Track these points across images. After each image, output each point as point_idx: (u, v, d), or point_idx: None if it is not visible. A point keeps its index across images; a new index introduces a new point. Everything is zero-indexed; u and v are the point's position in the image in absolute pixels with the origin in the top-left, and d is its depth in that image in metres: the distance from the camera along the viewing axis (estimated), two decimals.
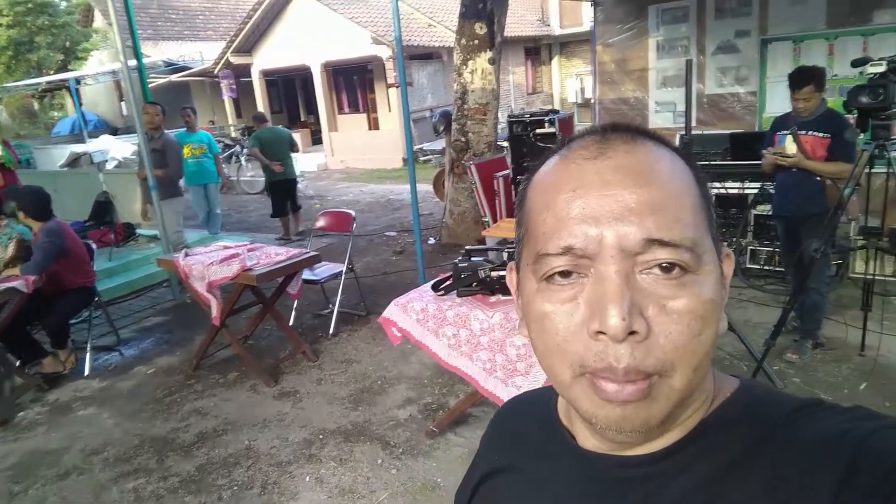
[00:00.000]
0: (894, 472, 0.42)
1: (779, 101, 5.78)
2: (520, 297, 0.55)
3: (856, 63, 2.72)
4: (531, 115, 5.65)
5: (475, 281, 2.83)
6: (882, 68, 2.59)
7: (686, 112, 3.12)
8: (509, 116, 5.79)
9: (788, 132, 3.36)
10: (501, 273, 2.77)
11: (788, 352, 3.58)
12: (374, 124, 15.68)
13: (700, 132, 6.18)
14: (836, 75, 5.05)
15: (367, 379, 3.83)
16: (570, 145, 0.53)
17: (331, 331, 4.54)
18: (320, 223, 5.04)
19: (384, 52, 13.28)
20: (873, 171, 2.89)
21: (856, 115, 2.79)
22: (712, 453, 0.49)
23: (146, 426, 3.42)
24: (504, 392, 2.75)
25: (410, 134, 4.72)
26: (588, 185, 0.48)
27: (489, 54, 5.99)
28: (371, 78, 15.22)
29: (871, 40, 5.18)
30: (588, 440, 0.56)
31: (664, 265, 0.46)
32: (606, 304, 0.45)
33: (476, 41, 5.94)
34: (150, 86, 6.79)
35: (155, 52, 15.68)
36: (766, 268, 4.86)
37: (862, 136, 2.83)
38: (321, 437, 3.20)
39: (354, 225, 4.91)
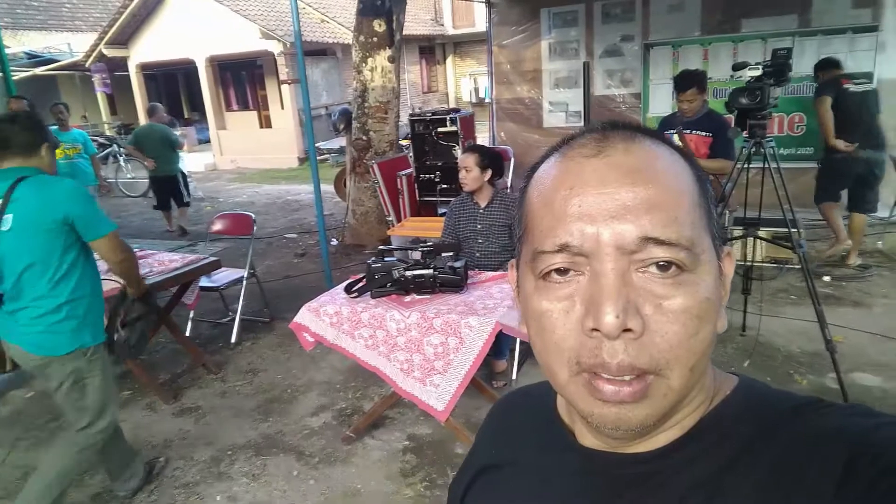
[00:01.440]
0: (893, 468, 0.42)
1: (660, 103, 6.20)
2: (519, 294, 0.55)
3: (736, 67, 2.98)
4: (433, 114, 5.67)
5: (389, 281, 2.79)
6: (758, 72, 2.84)
7: (585, 112, 3.25)
8: (411, 115, 5.80)
9: (675, 131, 3.60)
10: (416, 272, 2.76)
11: None
12: (265, 122, 15.12)
13: None
14: (710, 78, 5.47)
15: (276, 388, 3.68)
16: (570, 143, 0.53)
17: (233, 340, 4.32)
18: (217, 226, 4.78)
19: (275, 48, 12.84)
20: (751, 166, 3.15)
21: (735, 115, 3.03)
22: (711, 451, 0.49)
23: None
24: (422, 392, 2.74)
25: (312, 132, 4.58)
26: (585, 183, 0.48)
27: (389, 52, 5.95)
28: (261, 74, 14.65)
29: (739, 46, 5.67)
30: (587, 437, 0.57)
31: (661, 263, 0.46)
32: (601, 301, 0.45)
33: (375, 38, 5.88)
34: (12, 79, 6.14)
35: (14, 43, 14.17)
36: None
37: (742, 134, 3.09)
38: (230, 453, 3.04)
39: (255, 227, 4.69)
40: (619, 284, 0.45)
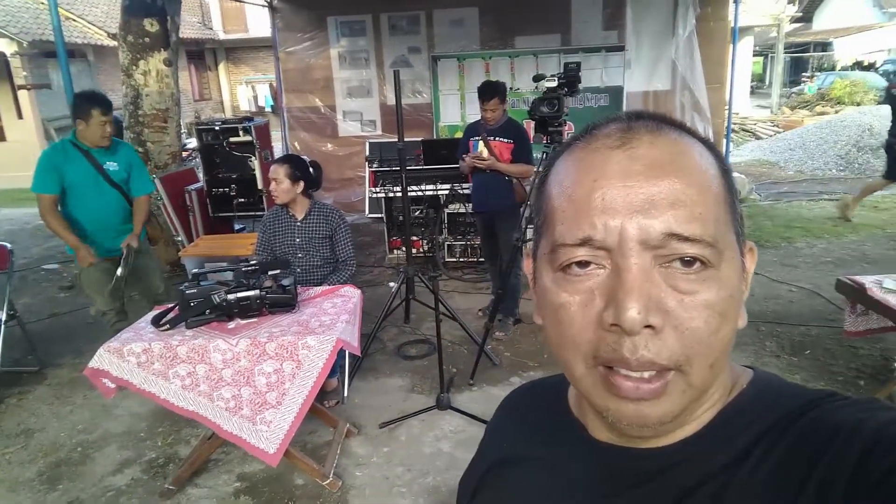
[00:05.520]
0: None
1: (451, 112, 6.51)
2: (535, 286, 0.54)
3: (536, 78, 3.23)
4: (223, 123, 5.25)
5: (209, 308, 2.49)
6: (554, 83, 3.11)
7: (398, 121, 3.24)
8: (197, 124, 5.30)
9: (480, 138, 3.79)
10: (240, 295, 2.50)
11: (495, 331, 4.04)
12: None
13: (388, 139, 6.59)
14: None
15: (62, 448, 3.07)
16: (593, 133, 0.51)
17: None
18: None
19: (7, 47, 10.86)
20: None
21: (536, 123, 3.28)
22: (728, 443, 0.49)
23: None
24: (251, 433, 2.48)
25: None
26: (610, 176, 0.47)
27: (164, 54, 5.36)
28: None
29: (515, 61, 6.19)
30: (601, 431, 0.56)
31: (685, 259, 0.45)
32: (623, 296, 0.44)
33: (147, 39, 5.25)
34: None
35: None
36: (461, 259, 5.43)
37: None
38: None
39: (12, 259, 3.87)
40: (641, 280, 0.45)
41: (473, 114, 6.02)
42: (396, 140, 3.30)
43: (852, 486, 0.42)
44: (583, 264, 0.47)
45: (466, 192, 4.89)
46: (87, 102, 3.24)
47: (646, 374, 0.45)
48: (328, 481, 2.62)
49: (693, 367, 0.46)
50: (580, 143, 0.51)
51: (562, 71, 3.18)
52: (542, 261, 0.52)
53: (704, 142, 0.51)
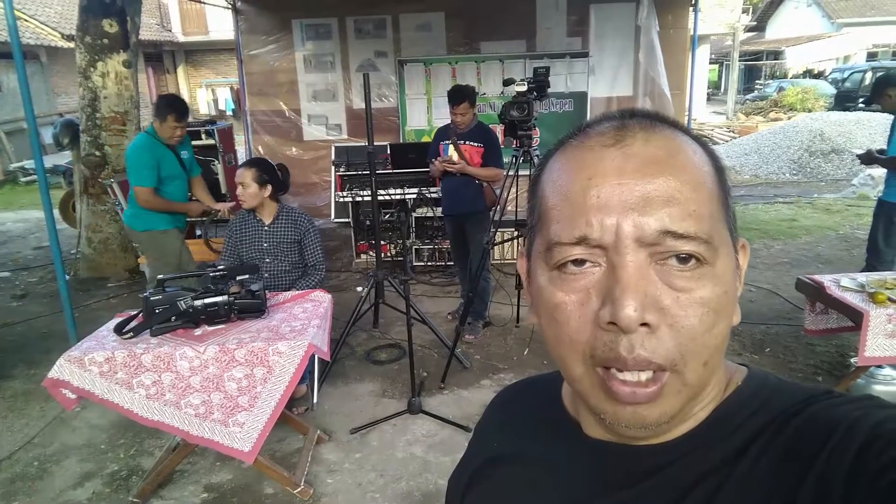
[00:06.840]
0: None
1: (417, 116, 6.51)
2: (531, 285, 0.53)
3: (506, 83, 3.26)
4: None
5: (175, 314, 2.43)
6: (524, 88, 3.14)
7: (367, 125, 3.22)
8: None
9: (450, 142, 3.80)
10: (208, 301, 2.44)
11: (465, 334, 4.04)
12: None
13: (354, 143, 6.55)
14: None
15: (17, 463, 2.95)
16: (587, 131, 0.51)
17: None
18: None
19: None
20: (520, 174, 3.47)
21: (506, 127, 3.30)
22: (725, 440, 0.49)
23: None
24: (224, 435, 2.43)
25: (39, 147, 3.79)
26: (605, 174, 0.47)
27: (124, 56, 5.21)
28: None
29: (482, 66, 6.23)
30: (595, 429, 0.55)
31: (681, 256, 0.45)
32: (619, 294, 0.44)
33: (106, 40, 5.11)
34: None
35: None
36: (429, 263, 5.42)
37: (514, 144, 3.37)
38: None
39: None
40: (637, 277, 0.45)
41: (440, 118, 6.05)
42: (362, 144, 3.29)
43: (850, 483, 0.42)
44: (578, 262, 0.47)
45: (434, 195, 4.89)
46: (166, 107, 3.62)
47: (643, 378, 0.45)
48: (299, 489, 2.58)
49: (688, 365, 0.46)
50: (574, 142, 0.51)
51: (531, 76, 3.21)
52: (536, 260, 0.51)
53: (698, 139, 0.51)
